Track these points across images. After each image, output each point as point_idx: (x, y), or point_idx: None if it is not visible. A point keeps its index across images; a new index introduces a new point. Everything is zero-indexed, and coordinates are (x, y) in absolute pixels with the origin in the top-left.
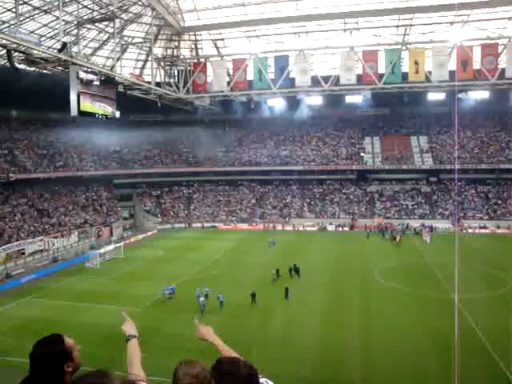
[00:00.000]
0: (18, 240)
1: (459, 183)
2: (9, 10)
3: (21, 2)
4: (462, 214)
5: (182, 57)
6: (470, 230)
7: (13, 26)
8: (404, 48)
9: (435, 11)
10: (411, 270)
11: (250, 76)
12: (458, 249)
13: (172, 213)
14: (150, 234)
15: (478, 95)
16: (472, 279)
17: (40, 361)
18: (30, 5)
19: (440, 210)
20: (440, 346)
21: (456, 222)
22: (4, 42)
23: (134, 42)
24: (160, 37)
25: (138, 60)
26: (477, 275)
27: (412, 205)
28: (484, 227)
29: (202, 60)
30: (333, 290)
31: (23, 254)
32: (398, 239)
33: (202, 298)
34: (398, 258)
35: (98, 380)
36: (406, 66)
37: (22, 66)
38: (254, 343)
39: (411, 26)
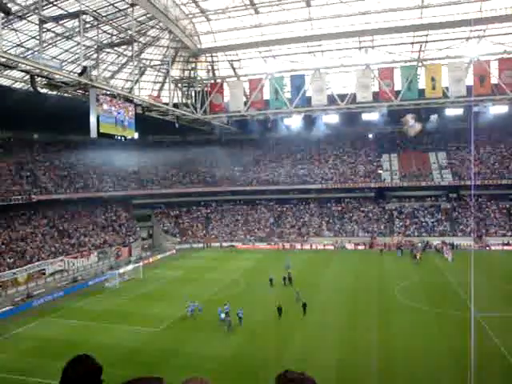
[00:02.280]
0: (38, 260)
1: (480, 199)
2: (33, 37)
3: (44, 30)
4: (483, 231)
5: (198, 78)
6: (492, 248)
7: (36, 53)
8: (420, 64)
9: (450, 27)
10: (432, 289)
11: (267, 95)
12: (482, 267)
13: (190, 233)
14: (168, 253)
15: (496, 110)
16: (497, 298)
17: (75, 380)
18: (53, 32)
19: (461, 226)
20: (464, 367)
21: (478, 239)
22: (28, 67)
23: (151, 64)
24: (177, 59)
25: (155, 82)
26: (502, 294)
27: (432, 222)
28: (508, 244)
29: (219, 81)
30: (352, 308)
31: (44, 274)
32: (418, 257)
33: (222, 315)
34: (419, 276)
35: None
36: (422, 83)
37: (44, 90)
38: (271, 361)
39: (427, 42)
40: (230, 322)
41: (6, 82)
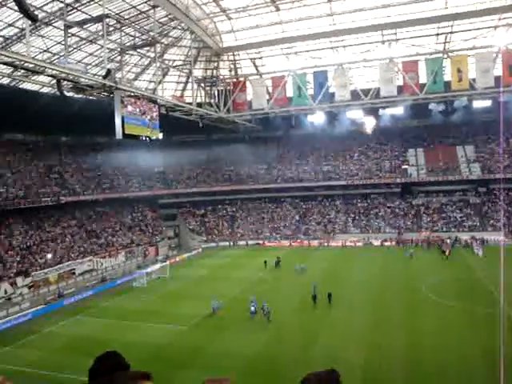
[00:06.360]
0: (68, 260)
1: (511, 193)
2: (58, 42)
3: (69, 35)
4: None
5: (221, 77)
6: None
7: (62, 57)
8: (445, 56)
9: (477, 16)
10: (462, 285)
11: (290, 92)
12: None
13: (216, 231)
14: (194, 252)
15: None
16: None
17: (102, 376)
18: (78, 36)
19: (491, 221)
20: (495, 366)
21: (509, 234)
22: (55, 72)
23: (174, 65)
24: (199, 58)
25: (178, 82)
26: None
27: (460, 217)
28: None
29: (242, 79)
30: (380, 306)
31: (73, 273)
32: (447, 253)
33: (252, 308)
34: (448, 272)
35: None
36: (448, 75)
37: (70, 94)
38: (298, 360)
39: (452, 33)
40: (268, 313)
41: (34, 87)
